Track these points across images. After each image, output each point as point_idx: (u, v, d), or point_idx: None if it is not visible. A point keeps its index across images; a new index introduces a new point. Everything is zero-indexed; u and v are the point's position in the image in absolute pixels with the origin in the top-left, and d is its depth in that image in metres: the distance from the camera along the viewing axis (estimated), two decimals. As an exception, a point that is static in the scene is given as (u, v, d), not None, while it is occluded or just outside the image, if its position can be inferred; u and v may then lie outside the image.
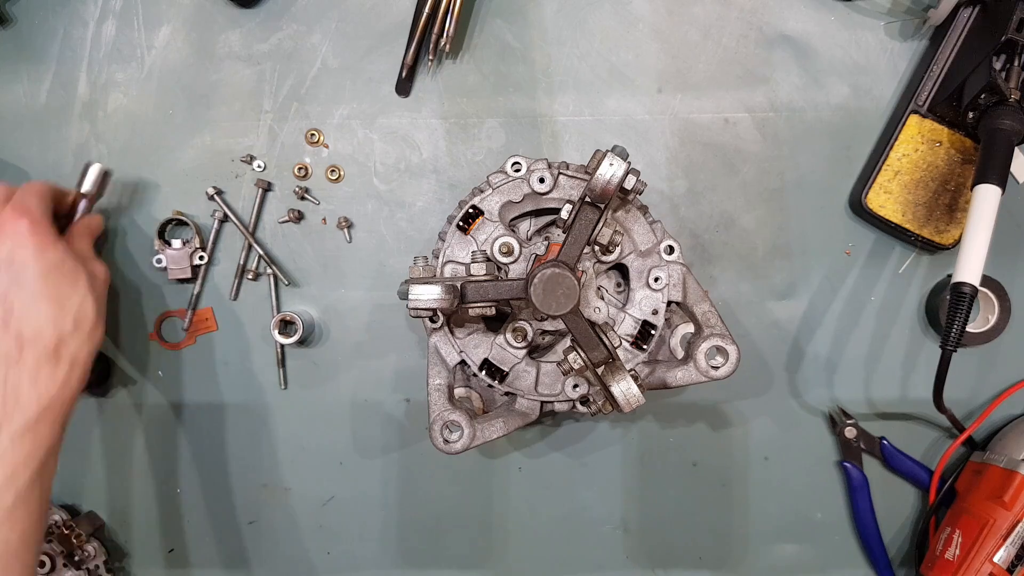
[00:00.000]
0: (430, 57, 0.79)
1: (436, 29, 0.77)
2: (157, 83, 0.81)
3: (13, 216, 0.63)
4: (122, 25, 0.81)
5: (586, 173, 0.67)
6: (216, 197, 0.80)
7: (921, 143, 0.77)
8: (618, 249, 0.67)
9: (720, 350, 0.67)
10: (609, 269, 0.70)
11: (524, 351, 0.67)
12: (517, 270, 0.68)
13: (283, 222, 0.81)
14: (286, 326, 0.78)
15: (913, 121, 0.77)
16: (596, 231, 0.62)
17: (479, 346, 0.67)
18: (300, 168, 0.80)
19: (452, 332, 0.67)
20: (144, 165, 0.81)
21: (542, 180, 0.66)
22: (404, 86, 0.80)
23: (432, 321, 0.66)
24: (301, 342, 0.79)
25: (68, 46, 0.81)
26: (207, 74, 0.81)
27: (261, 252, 0.80)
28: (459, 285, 0.60)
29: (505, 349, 0.67)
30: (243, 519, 0.83)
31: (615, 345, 0.63)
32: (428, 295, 0.58)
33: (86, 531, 0.80)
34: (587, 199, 0.60)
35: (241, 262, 0.81)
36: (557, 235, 0.71)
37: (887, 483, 0.81)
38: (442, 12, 0.76)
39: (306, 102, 0.81)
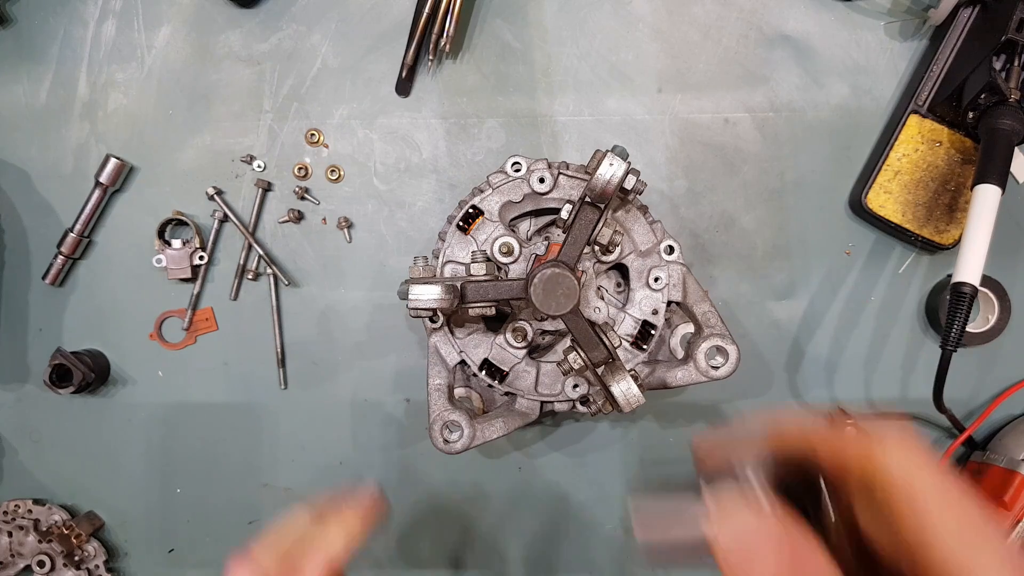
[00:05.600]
0: (430, 57, 0.79)
1: (436, 29, 0.77)
2: (157, 83, 0.81)
3: None
4: (122, 25, 0.81)
5: (586, 173, 0.67)
6: (216, 197, 0.80)
7: (921, 143, 0.77)
8: (618, 249, 0.67)
9: (720, 350, 0.66)
10: (609, 269, 0.70)
11: (524, 351, 0.67)
12: (517, 270, 0.68)
13: (283, 222, 0.81)
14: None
15: (913, 121, 0.77)
16: (596, 231, 0.62)
17: (479, 346, 0.67)
18: (300, 168, 0.80)
19: (452, 332, 0.67)
20: (144, 165, 0.81)
21: (542, 180, 0.66)
22: (404, 86, 0.80)
23: (432, 321, 0.66)
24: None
25: (68, 46, 0.81)
26: (207, 74, 0.81)
27: (261, 252, 0.80)
28: (459, 285, 0.60)
29: (505, 349, 0.67)
30: (243, 519, 0.83)
31: (615, 345, 0.62)
32: (428, 295, 0.58)
33: (86, 531, 0.80)
34: (587, 199, 0.60)
35: (241, 262, 0.81)
36: (557, 235, 0.71)
37: (887, 483, 0.81)
38: (442, 12, 0.76)
39: (306, 102, 0.80)
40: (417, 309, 0.59)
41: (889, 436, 0.43)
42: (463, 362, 0.67)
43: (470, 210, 0.67)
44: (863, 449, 0.43)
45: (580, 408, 0.68)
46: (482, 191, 0.67)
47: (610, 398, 0.59)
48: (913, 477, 0.40)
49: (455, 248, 0.67)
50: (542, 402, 0.68)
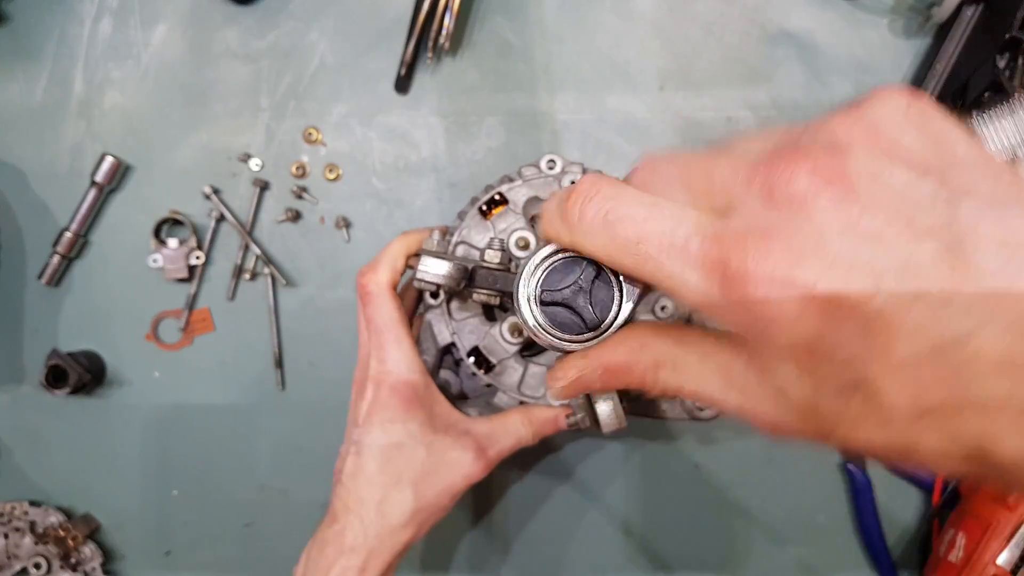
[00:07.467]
0: (429, 54, 0.78)
1: (435, 26, 0.76)
2: (154, 81, 0.80)
3: None
4: (118, 23, 0.80)
5: None
6: (213, 196, 0.79)
7: (925, 141, 0.76)
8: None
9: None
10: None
11: (517, 348, 0.66)
12: (529, 267, 0.67)
13: (280, 221, 0.80)
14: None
15: (917, 119, 0.76)
16: None
17: (473, 332, 0.66)
18: (298, 167, 0.80)
19: (449, 313, 0.66)
20: (140, 164, 0.80)
21: (573, 183, 0.65)
22: (403, 84, 0.80)
23: (433, 297, 0.65)
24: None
25: (64, 44, 0.80)
26: (204, 72, 0.80)
27: (258, 252, 0.79)
28: (471, 267, 0.59)
29: (498, 341, 0.66)
30: (240, 521, 0.82)
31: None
32: (438, 270, 0.57)
33: (82, 533, 0.80)
34: None
35: (238, 262, 0.80)
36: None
37: (891, 485, 0.80)
38: (441, 9, 0.75)
39: (304, 100, 0.80)
40: (423, 281, 0.57)
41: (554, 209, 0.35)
42: (452, 344, 0.66)
43: (496, 196, 0.66)
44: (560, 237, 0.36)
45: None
46: (511, 180, 0.66)
47: (591, 415, 0.58)
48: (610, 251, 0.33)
49: (472, 231, 0.66)
50: (522, 401, 0.67)
